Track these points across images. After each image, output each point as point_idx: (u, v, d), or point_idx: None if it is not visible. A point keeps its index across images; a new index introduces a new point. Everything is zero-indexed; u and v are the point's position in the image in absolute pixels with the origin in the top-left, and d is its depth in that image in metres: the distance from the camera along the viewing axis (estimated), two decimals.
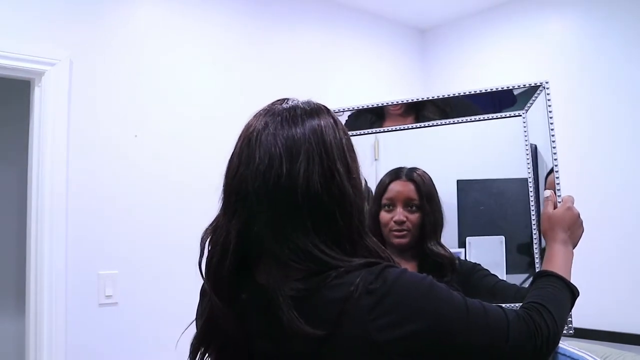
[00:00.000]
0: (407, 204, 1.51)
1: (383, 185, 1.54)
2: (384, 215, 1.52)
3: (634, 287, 2.57)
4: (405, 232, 1.50)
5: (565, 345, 2.58)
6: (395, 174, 1.55)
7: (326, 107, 0.93)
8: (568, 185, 2.83)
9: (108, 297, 2.29)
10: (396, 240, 1.50)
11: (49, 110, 2.21)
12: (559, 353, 2.57)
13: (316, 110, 0.90)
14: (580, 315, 2.71)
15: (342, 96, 3.12)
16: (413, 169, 1.54)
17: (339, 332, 0.77)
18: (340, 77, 3.14)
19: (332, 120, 0.90)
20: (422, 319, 0.77)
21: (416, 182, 1.52)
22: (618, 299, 2.61)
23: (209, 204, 2.91)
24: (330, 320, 0.77)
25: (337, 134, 0.88)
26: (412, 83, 3.49)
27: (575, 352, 2.47)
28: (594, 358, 2.36)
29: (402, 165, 1.56)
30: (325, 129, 0.87)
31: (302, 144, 0.84)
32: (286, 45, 2.95)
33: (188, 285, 2.78)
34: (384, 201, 1.53)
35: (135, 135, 2.42)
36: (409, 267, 1.45)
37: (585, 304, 2.78)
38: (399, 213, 1.50)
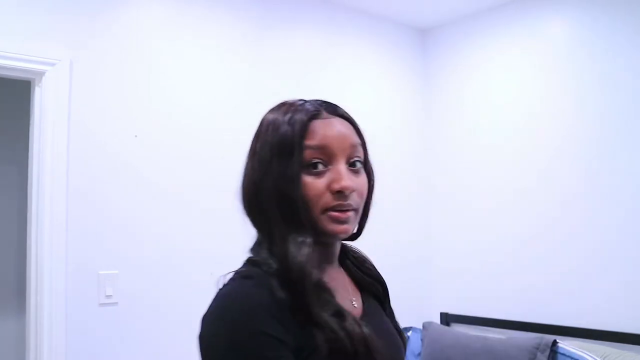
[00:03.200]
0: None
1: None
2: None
3: (633, 287, 2.56)
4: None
5: (565, 345, 2.59)
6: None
7: (286, 102, 0.93)
8: (576, 186, 2.84)
9: (108, 297, 2.29)
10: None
11: (49, 111, 2.20)
12: (559, 353, 2.58)
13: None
14: (581, 315, 2.72)
15: (342, 96, 3.11)
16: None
17: None
18: (340, 77, 3.14)
19: (271, 117, 0.91)
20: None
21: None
22: (617, 298, 2.61)
23: (209, 204, 2.93)
24: None
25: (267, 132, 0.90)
26: (412, 83, 3.49)
27: (575, 352, 2.48)
28: (594, 358, 2.37)
29: None
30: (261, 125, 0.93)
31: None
32: (286, 45, 2.95)
33: (188, 285, 2.78)
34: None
35: (136, 136, 2.42)
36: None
37: (585, 303, 2.80)
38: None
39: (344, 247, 1.00)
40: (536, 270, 2.90)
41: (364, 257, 1.04)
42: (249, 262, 0.88)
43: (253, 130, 0.93)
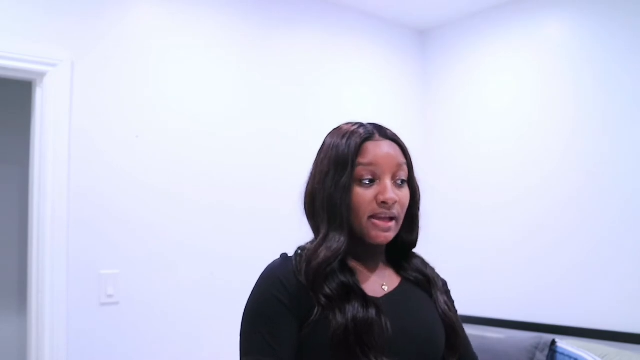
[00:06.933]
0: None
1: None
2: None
3: (632, 287, 2.57)
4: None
5: (564, 344, 2.60)
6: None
7: (339, 127, 1.12)
8: (575, 186, 2.84)
9: (109, 296, 2.30)
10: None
11: (50, 111, 2.21)
12: (558, 352, 2.59)
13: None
14: (580, 315, 2.73)
15: (341, 97, 3.13)
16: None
17: None
18: (340, 78, 3.14)
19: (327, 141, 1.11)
20: None
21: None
22: (617, 298, 2.61)
23: (209, 204, 2.93)
24: None
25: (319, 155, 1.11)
26: (412, 83, 3.50)
27: (575, 351, 2.49)
28: (592, 357, 2.38)
29: None
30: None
31: None
32: (286, 45, 2.95)
33: (189, 284, 2.79)
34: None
35: (137, 136, 2.43)
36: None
37: (584, 303, 2.80)
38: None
39: (412, 254, 1.23)
40: (535, 270, 2.91)
41: (415, 257, 1.26)
42: (298, 248, 1.09)
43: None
